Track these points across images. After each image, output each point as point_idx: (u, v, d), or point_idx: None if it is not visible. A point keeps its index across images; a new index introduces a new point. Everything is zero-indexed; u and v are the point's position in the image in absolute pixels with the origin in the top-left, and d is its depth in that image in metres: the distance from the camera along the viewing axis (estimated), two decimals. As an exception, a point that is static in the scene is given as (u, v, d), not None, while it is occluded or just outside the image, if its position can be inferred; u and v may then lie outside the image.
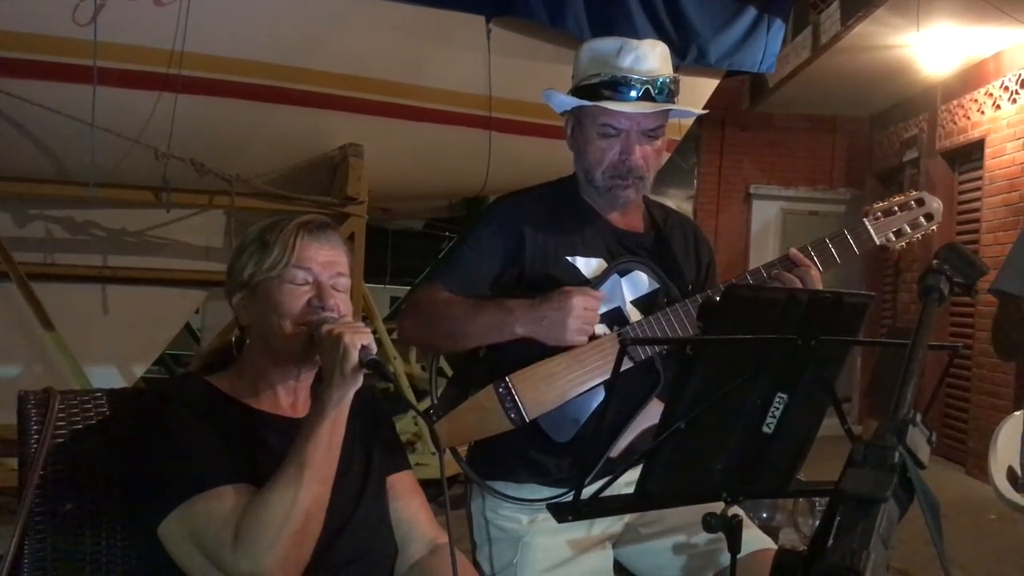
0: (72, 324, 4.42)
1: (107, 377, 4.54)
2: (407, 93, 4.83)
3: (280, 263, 1.51)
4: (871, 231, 1.94)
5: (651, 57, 1.91)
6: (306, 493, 1.37)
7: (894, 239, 1.96)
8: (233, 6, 4.29)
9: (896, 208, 1.96)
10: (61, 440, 1.57)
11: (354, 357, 1.40)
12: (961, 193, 7.24)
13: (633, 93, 1.88)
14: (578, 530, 1.89)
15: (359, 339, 1.41)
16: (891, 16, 5.95)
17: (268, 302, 1.51)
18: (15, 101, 3.89)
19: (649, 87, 1.88)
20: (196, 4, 4.02)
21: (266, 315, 1.52)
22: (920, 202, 1.97)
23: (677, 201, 9.16)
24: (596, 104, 1.89)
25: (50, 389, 1.59)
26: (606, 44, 1.94)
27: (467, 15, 4.75)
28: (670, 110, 1.94)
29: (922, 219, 1.97)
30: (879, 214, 1.95)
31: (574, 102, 1.94)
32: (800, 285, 1.84)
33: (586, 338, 1.81)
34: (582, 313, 1.79)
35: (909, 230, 1.96)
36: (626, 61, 1.89)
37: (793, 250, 1.91)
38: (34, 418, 1.56)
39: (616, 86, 1.88)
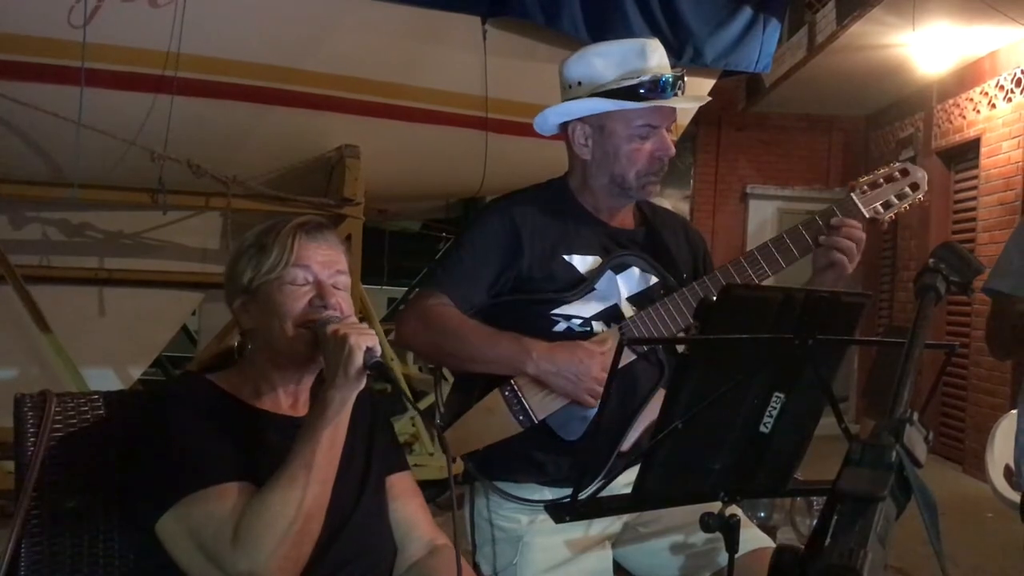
0: (69, 326, 4.42)
1: (104, 379, 4.53)
2: (403, 94, 4.83)
3: (279, 265, 1.50)
4: (859, 205, 1.95)
5: (666, 54, 1.95)
6: (307, 494, 1.36)
7: (883, 211, 1.97)
8: (229, 7, 4.28)
9: (882, 180, 1.97)
10: (58, 443, 1.56)
11: (359, 359, 1.39)
12: (957, 192, 7.25)
13: (671, 90, 1.90)
14: (577, 530, 1.89)
15: (364, 340, 1.40)
16: (887, 15, 5.95)
17: (269, 304, 1.51)
18: (10, 103, 3.88)
19: (680, 81, 1.92)
20: (192, 6, 4.01)
21: (268, 318, 1.51)
22: (904, 172, 1.98)
23: (674, 201, 9.16)
24: (649, 104, 1.89)
25: (47, 391, 1.59)
26: (623, 47, 1.94)
27: (463, 16, 4.74)
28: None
29: (908, 189, 1.98)
30: (865, 188, 1.97)
31: (628, 105, 1.90)
32: (853, 245, 1.87)
33: (597, 401, 1.81)
34: (599, 375, 1.79)
35: (896, 201, 1.97)
36: (653, 61, 1.91)
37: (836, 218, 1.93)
38: (30, 421, 1.55)
39: (657, 86, 1.89)
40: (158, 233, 4.74)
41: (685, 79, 1.94)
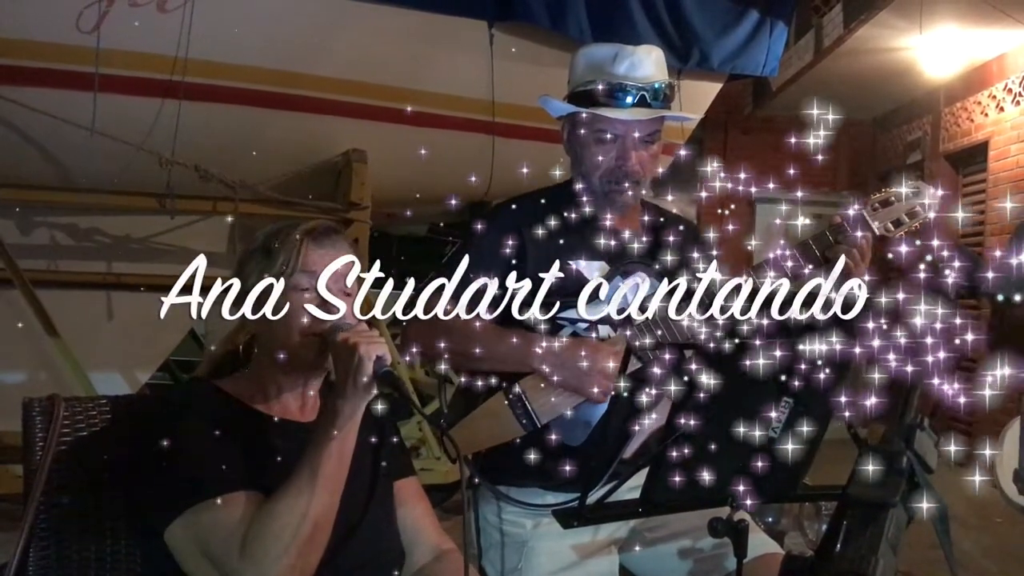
0: (77, 331, 4.42)
1: (112, 384, 4.53)
2: (410, 98, 4.83)
3: (286, 272, 1.49)
4: (870, 221, 1.96)
5: (646, 63, 1.92)
6: (315, 504, 1.35)
7: (893, 229, 1.98)
8: (236, 12, 4.29)
9: (893, 198, 1.98)
10: (66, 447, 1.57)
11: (369, 368, 1.37)
12: (965, 196, 7.23)
13: (628, 100, 1.89)
14: (583, 535, 1.88)
15: (374, 350, 1.38)
16: (894, 19, 5.94)
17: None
18: (19, 108, 3.89)
19: (645, 93, 1.89)
20: (200, 11, 4.02)
21: (275, 324, 1.50)
22: (917, 191, 1.99)
23: (680, 204, 9.14)
24: (591, 111, 1.90)
25: (55, 396, 1.59)
26: (601, 50, 1.95)
27: (470, 20, 4.75)
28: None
29: (919, 208, 1.98)
30: (877, 205, 1.98)
31: (569, 108, 1.94)
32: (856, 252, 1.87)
33: (605, 397, 1.80)
34: (604, 369, 1.79)
35: (907, 219, 1.98)
36: (621, 68, 1.90)
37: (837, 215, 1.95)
38: (39, 425, 1.56)
39: (611, 93, 1.89)
40: (166, 237, 4.74)
41: (665, 92, 1.92)
